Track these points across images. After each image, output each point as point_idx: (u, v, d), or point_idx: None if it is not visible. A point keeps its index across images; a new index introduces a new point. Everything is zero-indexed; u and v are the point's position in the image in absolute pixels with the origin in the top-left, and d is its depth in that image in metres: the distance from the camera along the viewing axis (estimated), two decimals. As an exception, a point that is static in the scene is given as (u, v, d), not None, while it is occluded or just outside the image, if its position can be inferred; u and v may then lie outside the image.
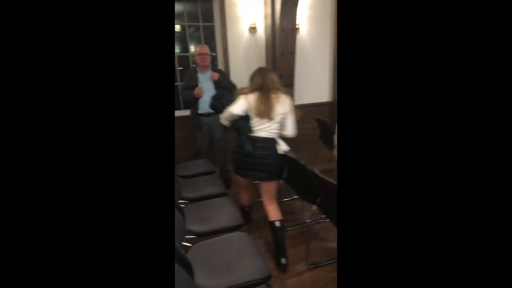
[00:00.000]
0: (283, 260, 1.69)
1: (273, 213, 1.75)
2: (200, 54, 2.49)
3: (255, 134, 1.71)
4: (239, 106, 1.68)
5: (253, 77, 1.73)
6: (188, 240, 1.42)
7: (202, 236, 1.45)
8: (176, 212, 1.42)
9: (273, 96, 1.66)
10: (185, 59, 3.26)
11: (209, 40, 3.27)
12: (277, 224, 1.71)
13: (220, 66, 3.28)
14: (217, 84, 2.50)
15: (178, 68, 3.26)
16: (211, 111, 2.50)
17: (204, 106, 2.50)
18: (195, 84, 2.50)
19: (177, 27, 3.19)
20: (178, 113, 3.16)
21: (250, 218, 2.07)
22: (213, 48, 3.28)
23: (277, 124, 1.71)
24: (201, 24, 3.21)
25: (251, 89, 1.71)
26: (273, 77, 1.70)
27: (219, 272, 1.15)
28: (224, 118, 1.76)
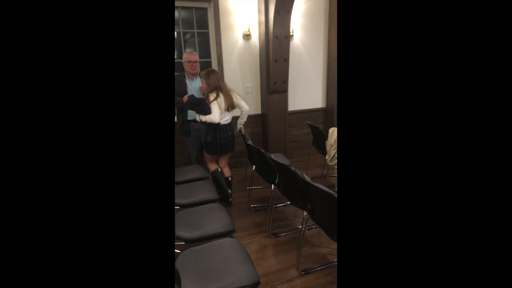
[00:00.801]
0: (231, 199, 2.62)
1: (227, 172, 2.59)
2: (190, 61, 2.49)
3: (221, 123, 2.31)
4: (218, 114, 2.23)
5: (209, 77, 2.25)
6: (177, 247, 1.42)
7: (192, 242, 1.44)
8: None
9: (228, 91, 2.28)
10: (180, 65, 3.28)
11: (204, 46, 3.29)
12: (230, 178, 2.59)
13: (215, 72, 3.30)
14: None
15: (174, 73, 3.27)
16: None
17: (193, 112, 2.51)
18: (183, 91, 2.51)
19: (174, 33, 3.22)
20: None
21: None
22: (207, 54, 3.31)
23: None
24: (196, 30, 3.24)
25: (210, 87, 2.24)
26: (221, 77, 2.41)
27: (207, 278, 1.15)
28: (206, 121, 2.27)
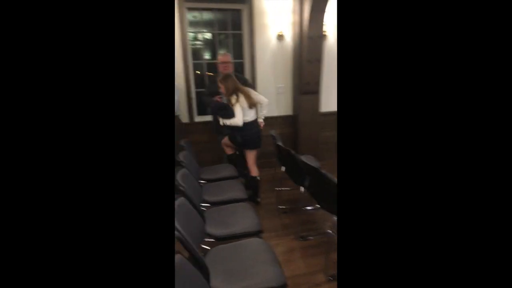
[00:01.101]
0: (259, 199, 2.71)
1: (255, 171, 2.62)
2: (222, 62, 2.58)
3: (246, 121, 2.39)
4: (241, 117, 2.33)
5: (227, 81, 2.33)
6: (207, 243, 1.46)
7: (221, 240, 1.48)
8: (197, 215, 1.47)
9: (245, 91, 2.36)
10: (214, 66, 3.36)
11: (238, 47, 3.35)
12: (258, 178, 2.63)
13: (247, 73, 3.34)
14: None
15: (207, 73, 3.37)
16: None
17: None
18: (216, 91, 2.58)
19: (209, 35, 3.31)
20: (203, 118, 3.27)
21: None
22: (241, 55, 3.35)
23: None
24: (230, 32, 3.30)
25: (229, 91, 2.31)
26: (236, 79, 2.38)
27: (235, 276, 1.17)
28: (230, 124, 2.38)
